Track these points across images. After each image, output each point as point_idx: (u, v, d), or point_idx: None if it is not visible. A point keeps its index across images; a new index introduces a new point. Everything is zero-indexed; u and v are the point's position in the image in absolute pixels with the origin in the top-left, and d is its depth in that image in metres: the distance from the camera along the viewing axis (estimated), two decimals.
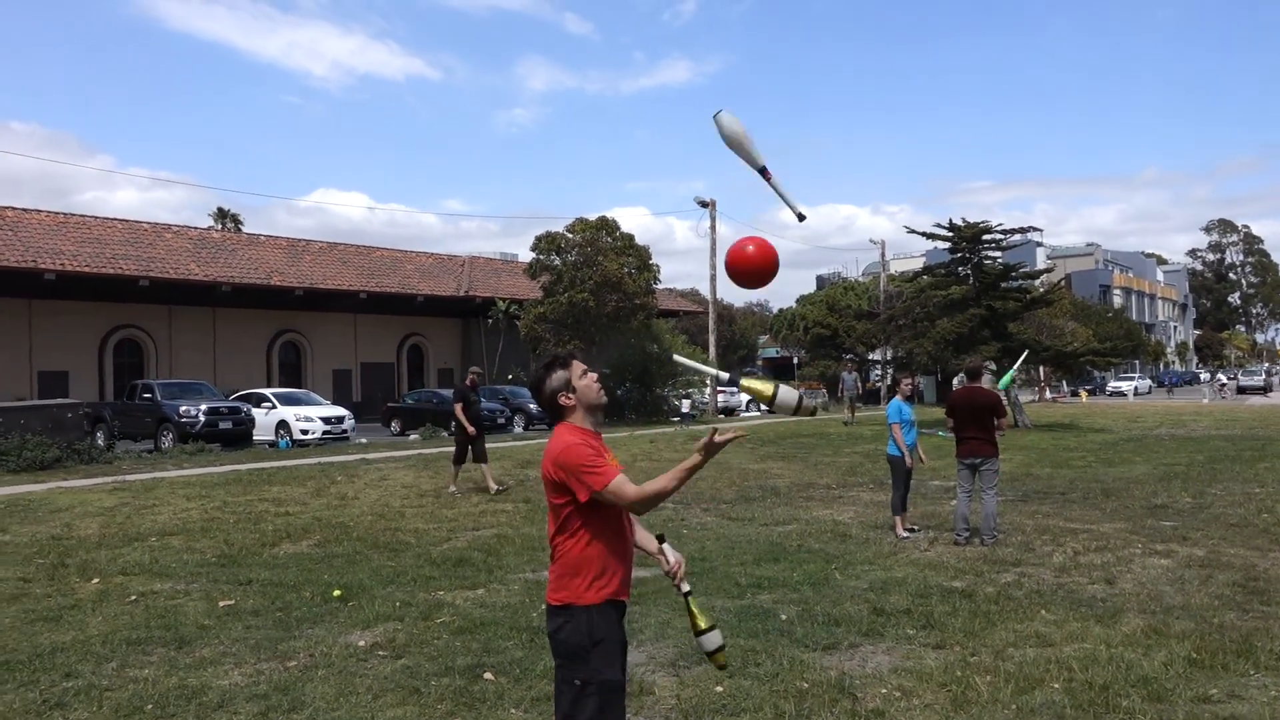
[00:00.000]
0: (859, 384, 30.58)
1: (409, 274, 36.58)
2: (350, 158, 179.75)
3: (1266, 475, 13.87)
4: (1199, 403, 42.14)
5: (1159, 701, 4.64)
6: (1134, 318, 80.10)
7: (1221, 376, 55.21)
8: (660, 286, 34.56)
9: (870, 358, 46.46)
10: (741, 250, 3.31)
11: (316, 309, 34.35)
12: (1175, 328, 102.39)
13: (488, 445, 13.61)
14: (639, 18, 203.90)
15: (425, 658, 5.49)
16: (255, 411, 24.13)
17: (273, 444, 23.50)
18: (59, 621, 6.44)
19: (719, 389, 36.36)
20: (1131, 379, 62.02)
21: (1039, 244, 71.45)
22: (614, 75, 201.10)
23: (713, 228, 36.08)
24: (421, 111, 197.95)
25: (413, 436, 25.59)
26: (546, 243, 30.56)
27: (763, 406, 3.26)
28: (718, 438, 2.94)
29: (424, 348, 39.93)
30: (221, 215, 57.06)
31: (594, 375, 3.22)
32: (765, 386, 3.18)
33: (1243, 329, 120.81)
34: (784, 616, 6.29)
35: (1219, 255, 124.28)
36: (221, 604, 6.86)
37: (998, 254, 28.47)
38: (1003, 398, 10.18)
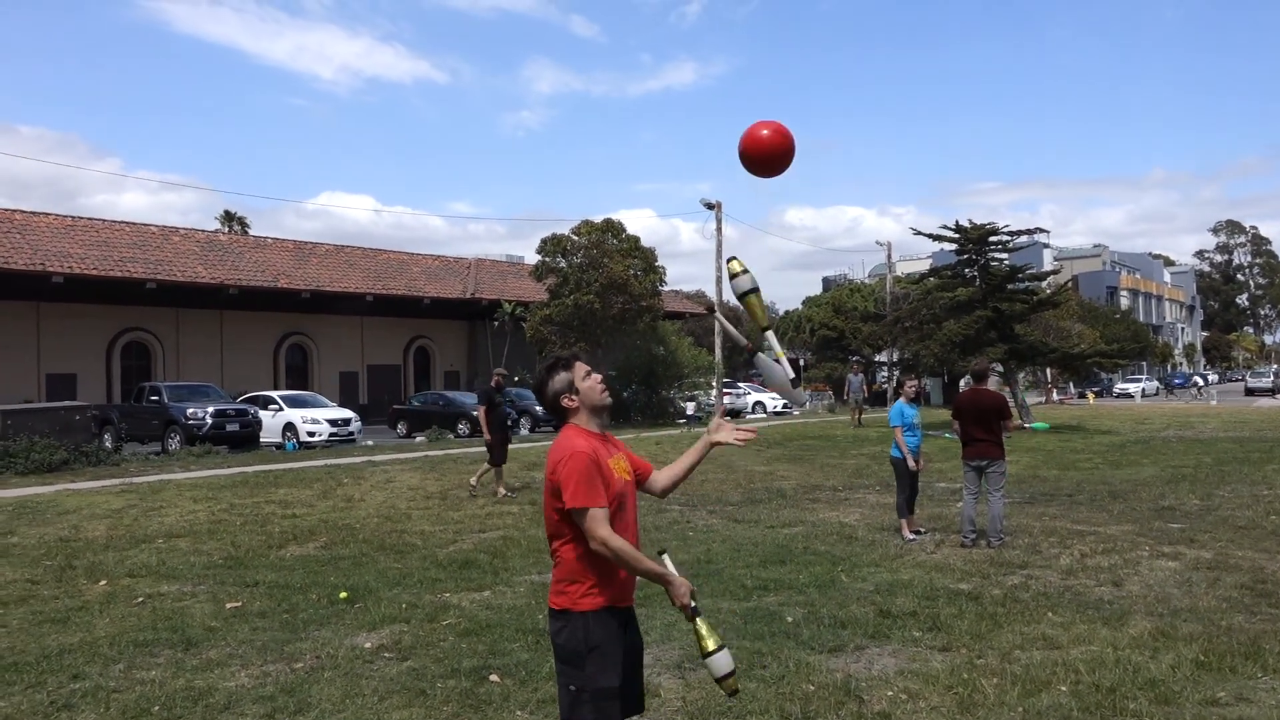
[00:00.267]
0: (865, 386, 30.53)
1: (415, 276, 36.63)
2: (357, 160, 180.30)
3: (1275, 477, 13.81)
4: (1179, 404, 42.07)
5: (1166, 704, 4.63)
6: (1141, 319, 79.89)
7: (1199, 379, 54.98)
8: (666, 288, 34.55)
9: (877, 360, 46.35)
10: (755, 134, 3.19)
11: (323, 311, 34.42)
12: (1183, 329, 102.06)
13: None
14: (645, 20, 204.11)
15: (431, 660, 5.49)
16: (262, 414, 24.18)
17: (279, 446, 23.54)
18: (66, 623, 6.46)
19: (724, 391, 36.33)
20: (1139, 380, 61.82)
21: (1045, 245, 71.27)
22: (620, 77, 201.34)
23: (718, 230, 36.06)
24: (428, 114, 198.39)
25: (419, 439, 25.61)
26: (552, 245, 30.58)
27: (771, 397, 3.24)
28: (682, 601, 3.05)
29: (430, 350, 39.98)
30: (229, 218, 57.22)
31: (598, 376, 3.19)
32: (709, 639, 3.14)
33: (1251, 330, 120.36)
34: (790, 619, 6.28)
35: (1227, 256, 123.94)
36: (228, 606, 6.87)
37: (1004, 255, 28.43)
38: (1010, 402, 10.18)
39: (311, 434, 24.03)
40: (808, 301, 56.00)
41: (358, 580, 7.66)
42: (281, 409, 24.93)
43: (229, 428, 22.60)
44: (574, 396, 3.14)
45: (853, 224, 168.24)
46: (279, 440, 24.04)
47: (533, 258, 32.78)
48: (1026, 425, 9.36)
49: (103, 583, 7.75)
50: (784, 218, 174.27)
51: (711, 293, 36.48)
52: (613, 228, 30.52)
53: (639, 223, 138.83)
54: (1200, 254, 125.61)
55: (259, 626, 6.30)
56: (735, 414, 37.65)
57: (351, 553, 8.98)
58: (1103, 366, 31.94)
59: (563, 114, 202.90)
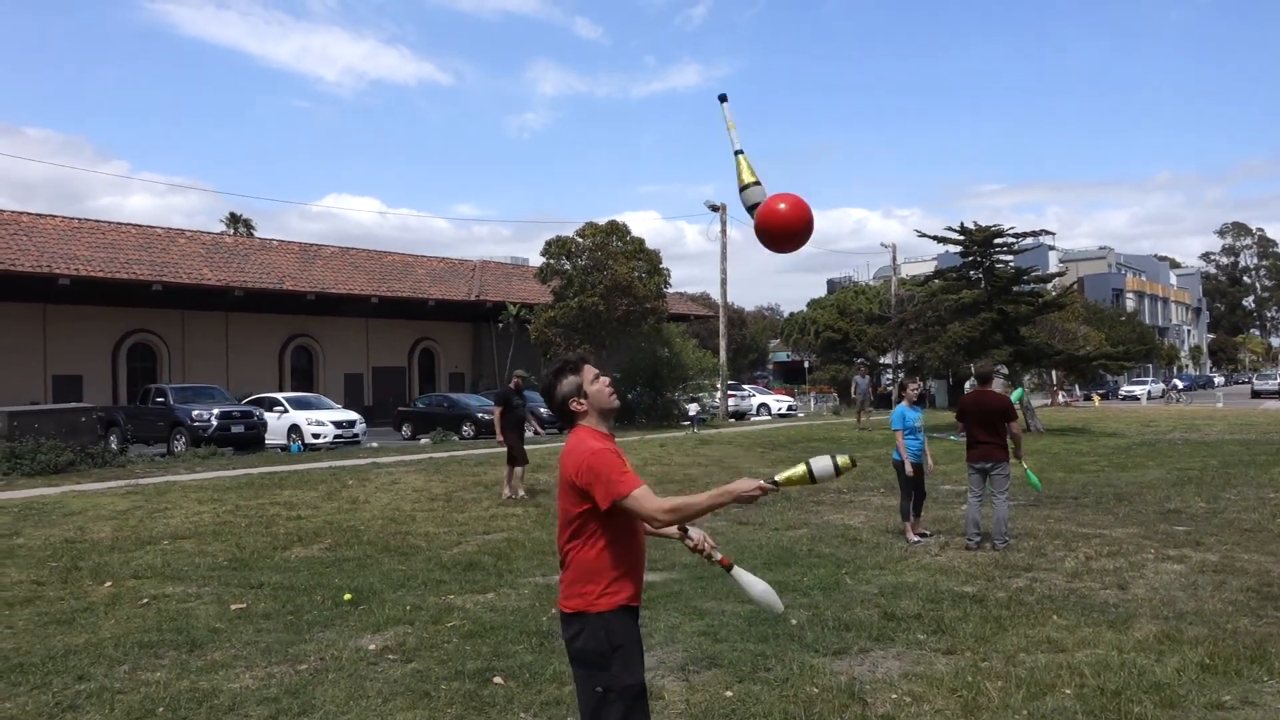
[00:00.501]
0: (872, 388, 30.52)
1: (420, 278, 36.68)
2: (362, 162, 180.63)
3: None
4: (1163, 406, 41.98)
5: (1171, 708, 4.62)
6: (1147, 321, 79.70)
7: (1177, 381, 54.63)
8: (671, 290, 34.55)
9: (881, 362, 46.33)
10: (773, 209, 3.07)
11: (328, 313, 34.47)
12: (1189, 332, 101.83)
13: (505, 449, 13.58)
14: (649, 22, 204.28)
15: (435, 661, 5.50)
16: (267, 415, 24.23)
17: (284, 448, 23.58)
18: (72, 624, 6.47)
19: (729, 394, 36.30)
20: (1144, 383, 61.69)
21: (1051, 247, 71.21)
22: (624, 79, 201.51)
23: (723, 231, 36.07)
24: (433, 116, 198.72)
25: (424, 440, 25.62)
26: (557, 247, 30.59)
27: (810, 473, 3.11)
28: (769, 486, 2.90)
29: (435, 352, 40.02)
30: (234, 220, 57.37)
31: (606, 380, 3.19)
32: (798, 471, 3.03)
33: (1257, 333, 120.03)
34: (794, 621, 6.27)
35: (1233, 258, 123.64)
36: (233, 607, 6.88)
37: (1009, 257, 28.39)
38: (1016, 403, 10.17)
39: (316, 436, 24.07)
40: (812, 304, 55.98)
41: (362, 582, 7.67)
42: (286, 411, 24.97)
43: (234, 429, 22.65)
44: (582, 400, 3.13)
45: (858, 226, 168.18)
46: (284, 442, 24.08)
47: (537, 260, 32.81)
48: (1025, 465, 9.31)
49: (108, 584, 7.77)
50: None
51: (716, 294, 36.51)
52: (617, 230, 30.53)
53: (644, 225, 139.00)
54: (1206, 256, 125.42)
55: (263, 628, 6.31)
56: (740, 416, 37.62)
57: (356, 554, 8.99)
58: (1108, 369, 31.91)
59: (567, 116, 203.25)
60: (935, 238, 28.74)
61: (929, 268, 45.21)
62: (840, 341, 49.52)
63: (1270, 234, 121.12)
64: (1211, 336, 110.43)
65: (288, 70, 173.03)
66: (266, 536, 9.98)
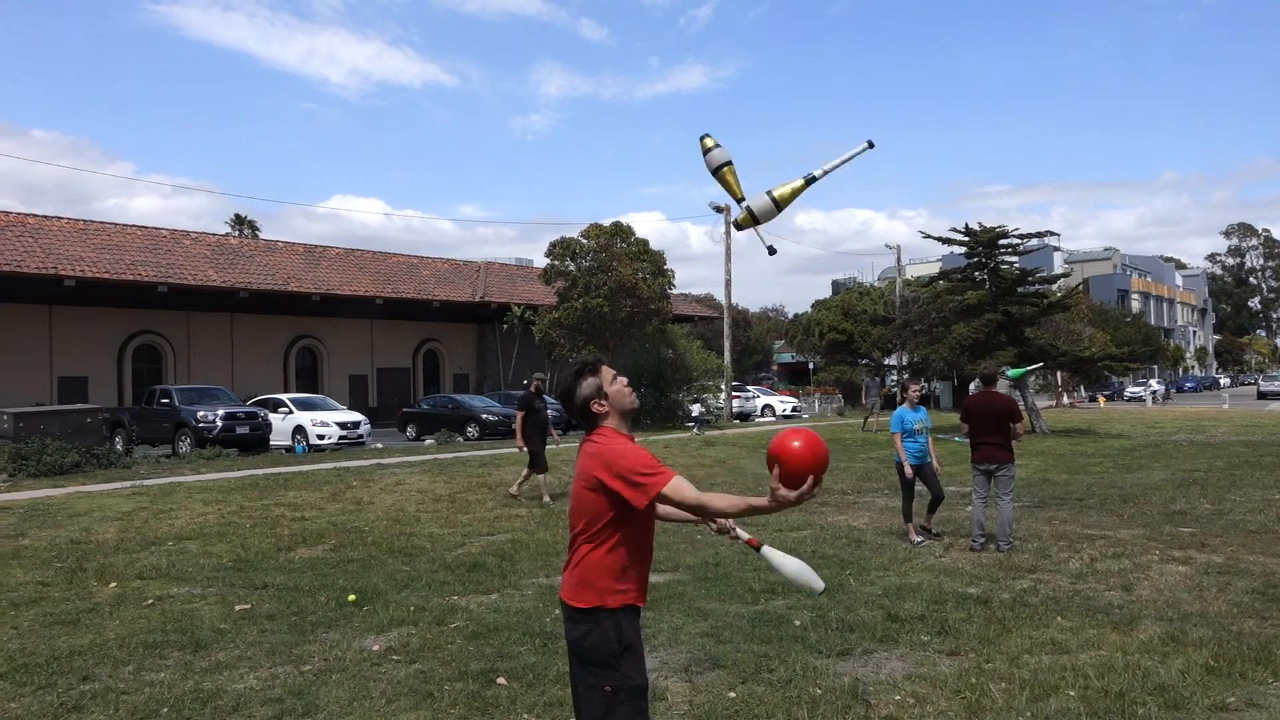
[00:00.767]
0: (881, 391, 30.48)
1: (425, 280, 36.73)
2: (367, 164, 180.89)
3: None
4: (1145, 408, 41.88)
5: (1176, 709, 4.60)
6: (1152, 323, 79.62)
7: (1154, 382, 54.06)
8: (675, 291, 34.56)
9: (886, 363, 46.30)
10: (786, 445, 2.99)
11: (333, 315, 34.54)
12: (1194, 333, 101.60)
13: (510, 450, 13.58)
14: (654, 23, 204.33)
15: (439, 662, 5.50)
16: (272, 417, 24.27)
17: (289, 449, 23.62)
18: (77, 625, 6.49)
19: (734, 395, 36.27)
20: (1149, 384, 61.54)
21: (1056, 248, 71.11)
22: (629, 81, 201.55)
23: (727, 233, 36.06)
24: (438, 117, 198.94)
25: (428, 441, 25.67)
26: (561, 248, 30.62)
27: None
28: (793, 495, 2.87)
29: (439, 353, 40.06)
30: (239, 222, 57.50)
31: (624, 380, 3.18)
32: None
33: (1263, 334, 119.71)
34: (798, 623, 6.27)
35: (1239, 259, 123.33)
36: (237, 608, 6.90)
37: (1014, 259, 28.35)
38: (1019, 403, 10.13)
39: (321, 437, 24.12)
40: (817, 305, 55.93)
41: (366, 583, 7.68)
42: (291, 412, 25.02)
43: (239, 431, 22.70)
44: (603, 401, 3.11)
45: (862, 227, 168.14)
46: (289, 443, 24.13)
47: (542, 261, 32.86)
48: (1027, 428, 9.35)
49: (113, 585, 7.79)
50: (794, 221, 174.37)
51: (720, 296, 36.49)
52: (621, 231, 30.55)
53: (648, 226, 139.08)
54: (1212, 257, 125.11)
55: (267, 629, 6.32)
56: (744, 417, 37.60)
57: (360, 555, 9.00)
58: (1113, 370, 31.81)
59: (572, 117, 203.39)
60: (940, 239, 28.71)
61: (934, 269, 45.23)
62: (845, 343, 49.46)
63: (1276, 235, 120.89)
64: (1217, 338, 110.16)
65: (293, 72, 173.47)
66: (271, 537, 10.00)
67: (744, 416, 37.93)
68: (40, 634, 6.27)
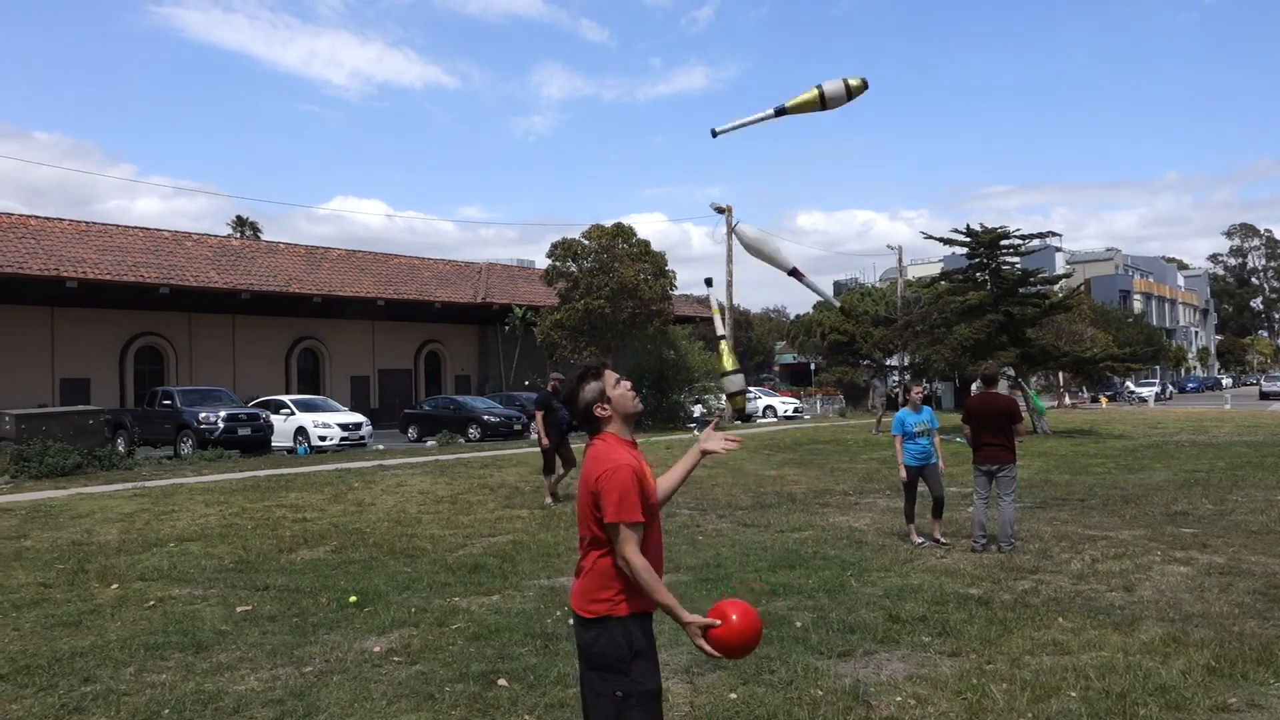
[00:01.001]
0: (887, 392, 30.48)
1: (426, 281, 36.75)
2: (368, 165, 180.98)
3: None
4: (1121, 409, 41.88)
5: (1177, 710, 4.60)
6: (1154, 323, 79.53)
7: (1129, 384, 53.35)
8: (676, 293, 34.59)
9: (887, 364, 46.28)
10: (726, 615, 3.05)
11: (335, 316, 34.58)
12: (1196, 333, 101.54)
13: (512, 451, 13.54)
14: (655, 24, 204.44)
15: (440, 664, 5.50)
16: (274, 418, 24.30)
17: (291, 450, 23.64)
18: (78, 626, 6.49)
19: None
20: (1151, 385, 61.52)
21: (1058, 249, 71.06)
22: (631, 82, 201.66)
23: (729, 234, 36.06)
24: (439, 119, 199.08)
25: (430, 443, 25.69)
26: (563, 249, 30.64)
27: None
28: (704, 645, 2.98)
29: (441, 354, 40.09)
30: (241, 223, 57.58)
31: (628, 384, 3.20)
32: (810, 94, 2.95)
33: (1265, 334, 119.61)
34: (799, 623, 6.27)
35: (1241, 260, 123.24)
36: (239, 609, 6.90)
37: (1016, 259, 28.34)
38: (1021, 404, 10.09)
39: (323, 438, 24.13)
40: (818, 306, 55.90)
41: (367, 584, 7.68)
42: (293, 413, 25.04)
43: (241, 432, 22.72)
44: (606, 405, 3.13)
45: (864, 228, 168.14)
46: (290, 444, 24.14)
47: (543, 262, 32.89)
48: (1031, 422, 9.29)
49: (114, 586, 7.80)
50: (795, 221, 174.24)
51: (722, 296, 36.53)
52: (623, 232, 30.57)
53: (650, 227, 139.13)
54: (1214, 257, 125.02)
55: (269, 630, 6.32)
56: (747, 418, 37.60)
57: (361, 557, 9.00)
58: (1115, 370, 31.78)
59: (573, 118, 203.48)
60: (941, 239, 28.72)
61: (935, 269, 45.21)
62: (846, 344, 49.47)
63: (1278, 235, 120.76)
64: (1219, 338, 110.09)
65: (295, 74, 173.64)
66: (272, 539, 10.01)
67: (746, 418, 37.92)
68: (42, 635, 6.28)
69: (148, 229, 31.66)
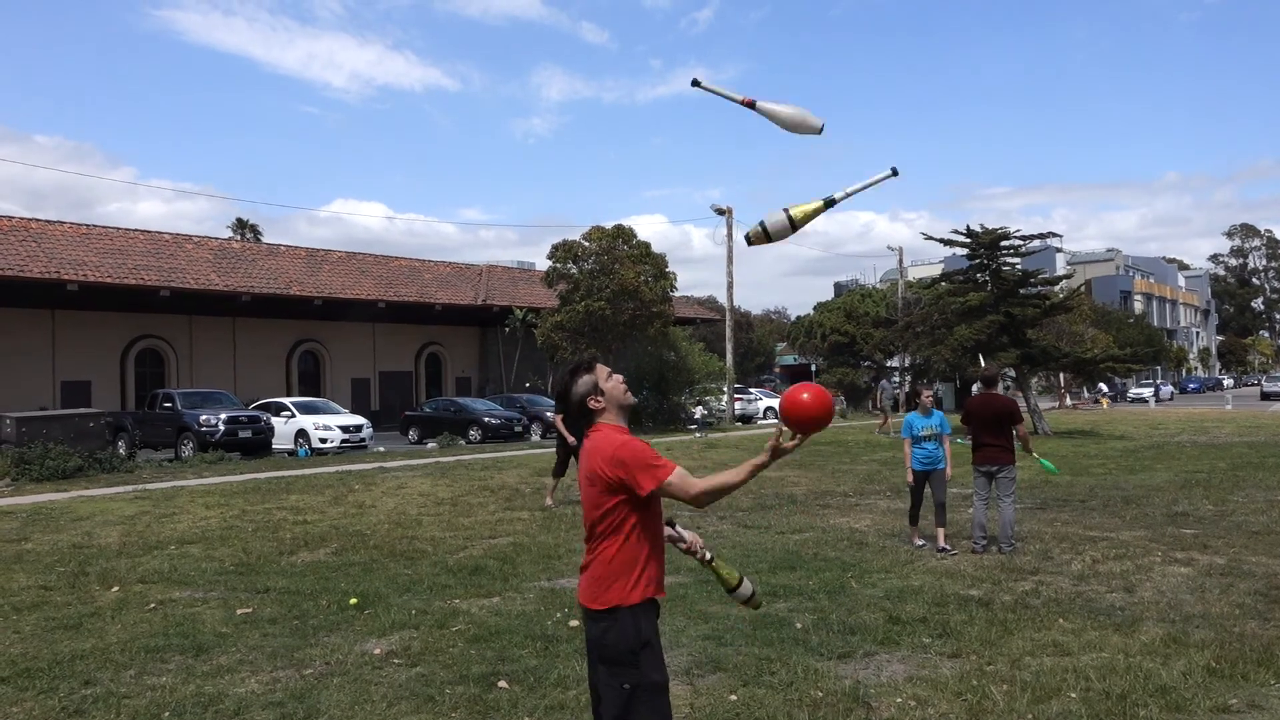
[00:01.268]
0: (895, 393, 30.48)
1: (427, 283, 36.76)
2: (369, 168, 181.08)
3: None
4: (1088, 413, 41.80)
5: (1177, 711, 4.60)
6: (1155, 324, 79.50)
7: (1103, 386, 52.47)
8: (677, 294, 34.59)
9: (888, 365, 46.29)
10: (796, 398, 3.13)
11: (335, 318, 34.58)
12: (1197, 334, 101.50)
13: (512, 453, 13.56)
14: (655, 26, 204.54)
15: (440, 666, 5.50)
16: (274, 420, 24.30)
17: (291, 453, 23.64)
18: (79, 629, 6.49)
19: (736, 397, 36.27)
20: (1151, 385, 61.49)
21: (1058, 250, 71.09)
22: (630, 83, 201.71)
23: (729, 235, 36.09)
24: (439, 121, 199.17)
25: (430, 445, 25.69)
26: (563, 251, 30.64)
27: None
28: (786, 443, 2.99)
29: (442, 356, 40.09)
30: (241, 226, 57.61)
31: (619, 377, 3.23)
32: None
33: (1266, 334, 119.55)
34: (799, 625, 6.27)
35: (1241, 260, 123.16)
36: (239, 612, 6.90)
37: (1016, 260, 28.35)
38: (1021, 406, 10.05)
39: (323, 440, 24.14)
40: (819, 307, 55.89)
41: (368, 586, 7.68)
42: (294, 415, 25.05)
43: (241, 434, 22.73)
44: (599, 397, 3.16)
45: (865, 229, 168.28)
46: (291, 447, 24.14)
47: (544, 264, 32.88)
48: (1035, 455, 9.19)
49: (115, 589, 7.80)
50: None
51: (722, 298, 36.52)
52: (623, 234, 30.57)
53: (650, 228, 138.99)
54: (1214, 258, 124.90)
55: (269, 632, 6.32)
56: (746, 419, 37.57)
57: (362, 559, 9.00)
58: (1115, 371, 31.80)
59: (573, 120, 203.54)
60: (942, 240, 28.74)
61: (936, 270, 45.22)
62: (847, 345, 49.46)
63: (1279, 235, 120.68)
64: (1220, 338, 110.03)
65: (295, 76, 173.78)
66: (273, 541, 10.01)
67: (746, 419, 37.92)
68: (42, 638, 6.28)
69: (148, 232, 31.66)
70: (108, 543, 10.08)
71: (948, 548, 8.96)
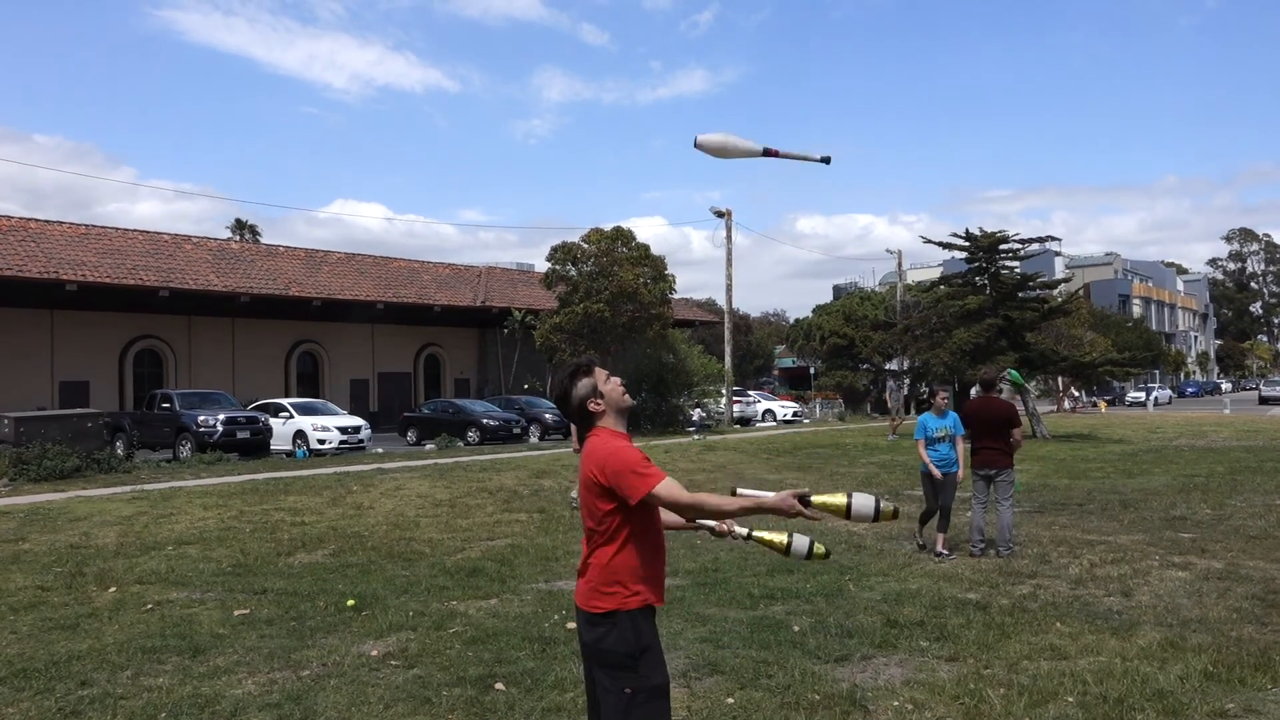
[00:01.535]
0: (903, 395, 30.49)
1: (426, 284, 36.74)
2: (369, 169, 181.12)
3: None
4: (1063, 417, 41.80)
5: (1174, 716, 4.60)
6: (1154, 328, 79.54)
7: (1075, 389, 51.63)
8: (676, 296, 34.60)
9: (887, 367, 46.29)
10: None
11: (334, 319, 34.55)
12: (1196, 338, 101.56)
13: (510, 455, 13.55)
14: (655, 28, 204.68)
15: (437, 668, 5.50)
16: (273, 421, 24.27)
17: (290, 454, 23.62)
18: (76, 630, 6.49)
19: (734, 400, 36.27)
20: (1151, 389, 61.52)
21: (1057, 253, 71.17)
22: (631, 85, 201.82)
23: (729, 237, 36.11)
24: (440, 122, 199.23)
25: (429, 446, 25.67)
26: (562, 253, 30.63)
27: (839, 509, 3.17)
28: (807, 512, 3.00)
29: (441, 358, 40.07)
30: (240, 226, 57.55)
31: (618, 379, 3.22)
32: (837, 500, 3.07)
33: (1265, 339, 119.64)
34: (796, 628, 6.27)
35: (1240, 264, 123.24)
36: (236, 613, 6.90)
37: (1015, 264, 28.38)
38: (1019, 408, 10.02)
39: (322, 441, 24.11)
40: (818, 309, 55.95)
41: (365, 588, 7.68)
42: (292, 416, 25.02)
43: (240, 435, 22.70)
44: (599, 400, 3.15)
45: (863, 232, 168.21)
46: (289, 448, 24.12)
47: (543, 266, 32.88)
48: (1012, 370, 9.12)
49: (112, 589, 7.79)
50: (795, 226, 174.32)
51: (721, 300, 36.52)
52: (623, 236, 30.57)
53: (649, 230, 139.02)
54: (1213, 262, 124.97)
55: (266, 634, 6.32)
56: (745, 422, 37.58)
57: (360, 560, 9.00)
58: (1114, 375, 31.82)
59: (573, 122, 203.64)
60: (941, 244, 28.76)
61: (935, 274, 45.22)
62: (846, 347, 49.47)
63: (1278, 239, 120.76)
64: (1219, 342, 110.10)
65: (295, 77, 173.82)
66: (270, 542, 10.00)
67: (745, 421, 37.91)
68: (39, 639, 6.28)
69: (147, 232, 31.63)
70: (105, 543, 10.07)
71: (945, 552, 8.93)
